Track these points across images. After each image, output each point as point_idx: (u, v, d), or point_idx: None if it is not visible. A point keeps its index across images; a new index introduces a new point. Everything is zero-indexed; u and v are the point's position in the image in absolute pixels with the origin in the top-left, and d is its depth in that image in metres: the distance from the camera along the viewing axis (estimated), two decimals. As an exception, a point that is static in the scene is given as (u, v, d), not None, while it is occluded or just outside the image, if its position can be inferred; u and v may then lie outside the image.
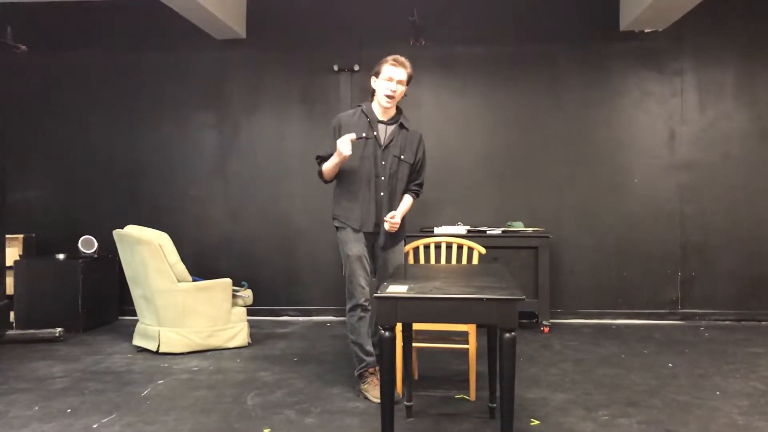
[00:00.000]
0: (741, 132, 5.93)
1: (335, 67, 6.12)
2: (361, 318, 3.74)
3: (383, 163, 3.72)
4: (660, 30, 5.85)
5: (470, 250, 3.99)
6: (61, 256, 5.77)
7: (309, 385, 4.00)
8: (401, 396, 3.62)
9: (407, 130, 3.80)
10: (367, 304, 3.74)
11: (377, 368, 3.71)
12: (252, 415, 3.50)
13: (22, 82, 6.40)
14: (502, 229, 5.74)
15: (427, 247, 4.14)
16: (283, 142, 6.24)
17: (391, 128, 3.76)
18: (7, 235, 5.46)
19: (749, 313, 5.89)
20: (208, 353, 4.83)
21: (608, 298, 6.00)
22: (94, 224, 6.16)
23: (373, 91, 3.77)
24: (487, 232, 5.63)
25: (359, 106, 3.84)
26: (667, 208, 5.98)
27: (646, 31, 5.88)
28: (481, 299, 2.50)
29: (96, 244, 5.93)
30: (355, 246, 3.74)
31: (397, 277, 3.09)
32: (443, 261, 4.04)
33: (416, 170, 3.85)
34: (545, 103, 6.06)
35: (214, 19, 5.55)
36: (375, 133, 3.73)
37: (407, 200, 3.85)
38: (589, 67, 6.03)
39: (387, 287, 2.68)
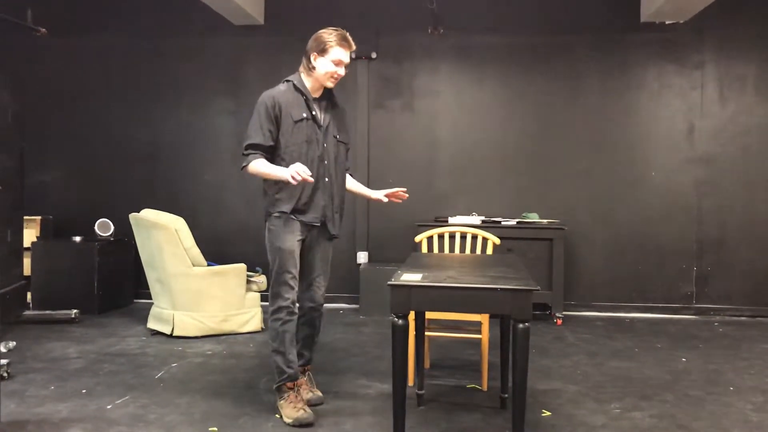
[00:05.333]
0: (762, 127, 5.84)
1: (352, 55, 6.06)
2: (285, 323, 3.24)
3: (325, 146, 3.31)
4: (682, 22, 5.78)
5: (484, 240, 3.97)
6: (77, 239, 5.82)
7: (321, 372, 4.00)
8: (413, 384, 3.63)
9: (338, 106, 3.44)
10: (294, 306, 3.27)
11: (298, 382, 3.31)
12: (264, 399, 3.53)
13: (42, 65, 6.44)
14: (517, 220, 5.72)
15: (441, 236, 4.13)
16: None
17: (323, 105, 3.36)
18: (25, 217, 5.52)
19: (765, 310, 5.83)
20: (222, 338, 4.87)
21: (622, 292, 5.97)
22: (111, 207, 6.21)
23: (309, 65, 3.30)
24: (502, 222, 5.62)
25: (287, 80, 3.36)
26: (684, 203, 5.91)
27: (667, 22, 5.81)
28: (495, 289, 2.50)
29: (112, 227, 5.98)
30: (289, 239, 3.30)
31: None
32: (457, 251, 4.04)
33: (347, 150, 3.51)
34: (563, 94, 6.01)
35: (232, 5, 5.55)
36: (313, 113, 3.29)
37: (356, 182, 3.61)
38: (609, 58, 5.96)
39: (401, 275, 2.68)
